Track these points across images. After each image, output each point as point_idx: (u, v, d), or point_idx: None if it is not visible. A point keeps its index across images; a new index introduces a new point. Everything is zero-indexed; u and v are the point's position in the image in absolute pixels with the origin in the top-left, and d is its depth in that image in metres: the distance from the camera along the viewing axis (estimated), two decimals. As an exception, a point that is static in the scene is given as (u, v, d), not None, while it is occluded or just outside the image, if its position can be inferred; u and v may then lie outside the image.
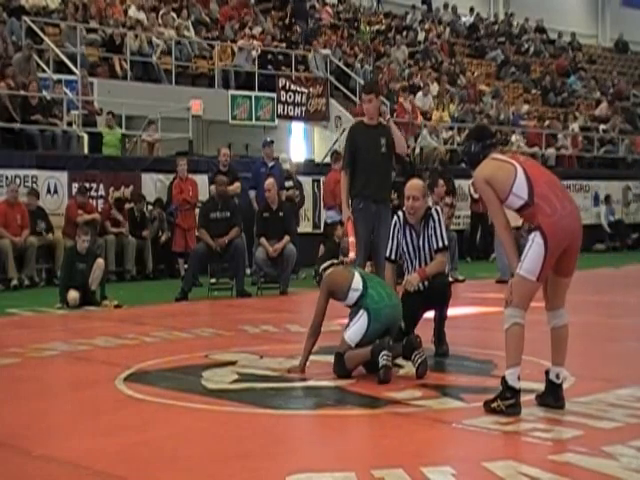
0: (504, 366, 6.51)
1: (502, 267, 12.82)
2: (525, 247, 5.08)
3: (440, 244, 6.99)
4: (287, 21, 23.50)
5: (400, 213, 7.18)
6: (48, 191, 14.08)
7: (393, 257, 7.18)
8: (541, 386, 5.76)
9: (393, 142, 8.11)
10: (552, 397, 5.24)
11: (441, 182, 13.37)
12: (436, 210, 7.13)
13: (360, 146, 8.04)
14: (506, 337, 5.12)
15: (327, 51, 22.00)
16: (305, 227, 16.58)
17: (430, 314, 7.17)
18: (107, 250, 13.91)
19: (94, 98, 16.96)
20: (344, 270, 6.53)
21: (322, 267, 6.67)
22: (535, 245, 5.00)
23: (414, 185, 7.08)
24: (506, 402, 5.02)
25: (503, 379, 5.08)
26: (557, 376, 5.21)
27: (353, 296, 6.31)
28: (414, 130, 20.24)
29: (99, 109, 16.79)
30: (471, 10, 31.69)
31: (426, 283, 7.00)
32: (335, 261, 6.88)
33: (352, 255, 7.65)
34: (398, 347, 6.14)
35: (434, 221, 7.01)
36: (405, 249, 7.08)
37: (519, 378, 5.05)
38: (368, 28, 26.42)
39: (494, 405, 5.05)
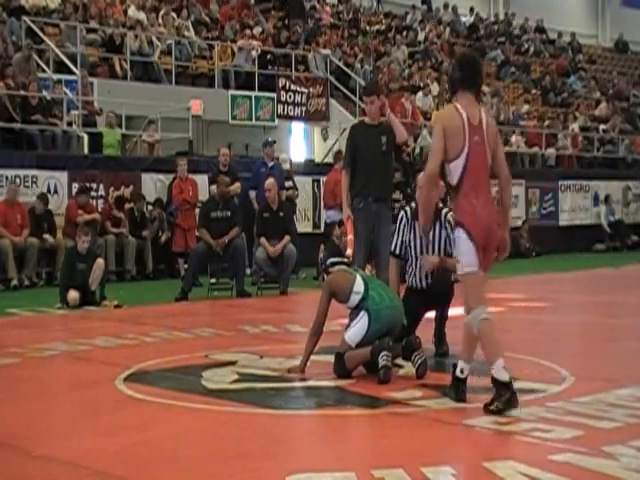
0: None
1: None
2: (455, 245, 5.33)
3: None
4: (287, 21, 23.51)
5: (407, 209, 7.19)
6: (48, 191, 14.07)
7: (397, 252, 7.17)
8: (542, 386, 5.78)
9: (394, 138, 8.11)
10: (453, 390, 5.34)
11: (441, 183, 13.39)
12: (452, 215, 7.04)
13: (360, 146, 8.05)
14: (480, 338, 5.17)
15: (327, 51, 21.99)
16: (305, 227, 16.59)
17: (431, 314, 7.17)
18: (107, 250, 13.91)
19: (94, 98, 16.95)
20: (346, 272, 6.53)
21: (329, 261, 6.68)
22: (463, 241, 5.20)
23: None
24: (502, 399, 5.01)
25: (492, 379, 5.08)
26: (462, 371, 5.30)
27: (355, 299, 6.32)
28: (414, 130, 20.24)
29: (99, 109, 16.80)
30: (471, 10, 31.69)
31: (429, 281, 7.01)
32: (345, 260, 6.88)
33: (349, 252, 7.68)
34: (398, 347, 6.15)
35: (451, 226, 6.86)
36: (412, 244, 7.05)
37: (505, 369, 5.05)
38: (368, 28, 26.43)
39: (492, 407, 5.04)
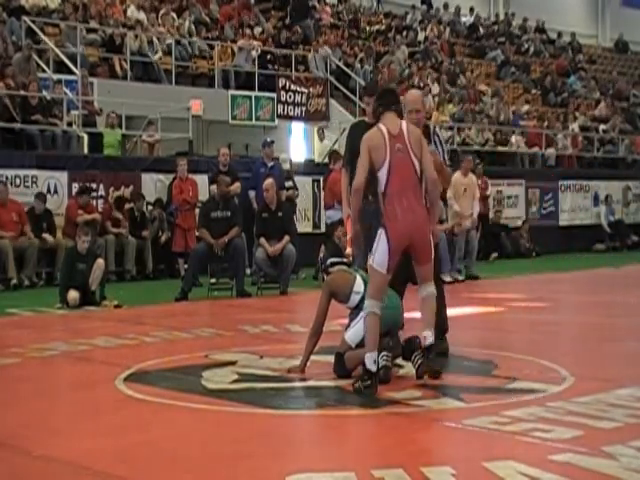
0: (504, 366, 6.55)
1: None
2: (375, 241, 5.86)
3: (441, 159, 7.04)
4: (287, 21, 23.51)
5: None
6: (48, 191, 14.05)
7: None
8: (542, 386, 5.78)
9: None
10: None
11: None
12: (435, 129, 7.32)
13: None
14: (365, 325, 5.83)
15: (327, 51, 22.00)
16: (305, 227, 16.58)
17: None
18: (107, 250, 13.90)
19: (94, 98, 16.95)
20: (346, 273, 6.53)
21: (329, 261, 6.69)
22: (381, 242, 5.80)
23: (414, 98, 6.88)
24: (364, 383, 5.63)
25: (363, 364, 5.68)
26: (424, 338, 5.79)
27: (355, 299, 6.32)
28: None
29: (99, 109, 16.80)
30: (471, 10, 31.68)
31: None
32: (345, 260, 6.88)
33: (349, 250, 7.68)
34: (398, 348, 6.15)
35: (438, 138, 7.16)
36: None
37: (375, 362, 5.62)
38: (368, 28, 26.43)
39: (357, 385, 5.65)
